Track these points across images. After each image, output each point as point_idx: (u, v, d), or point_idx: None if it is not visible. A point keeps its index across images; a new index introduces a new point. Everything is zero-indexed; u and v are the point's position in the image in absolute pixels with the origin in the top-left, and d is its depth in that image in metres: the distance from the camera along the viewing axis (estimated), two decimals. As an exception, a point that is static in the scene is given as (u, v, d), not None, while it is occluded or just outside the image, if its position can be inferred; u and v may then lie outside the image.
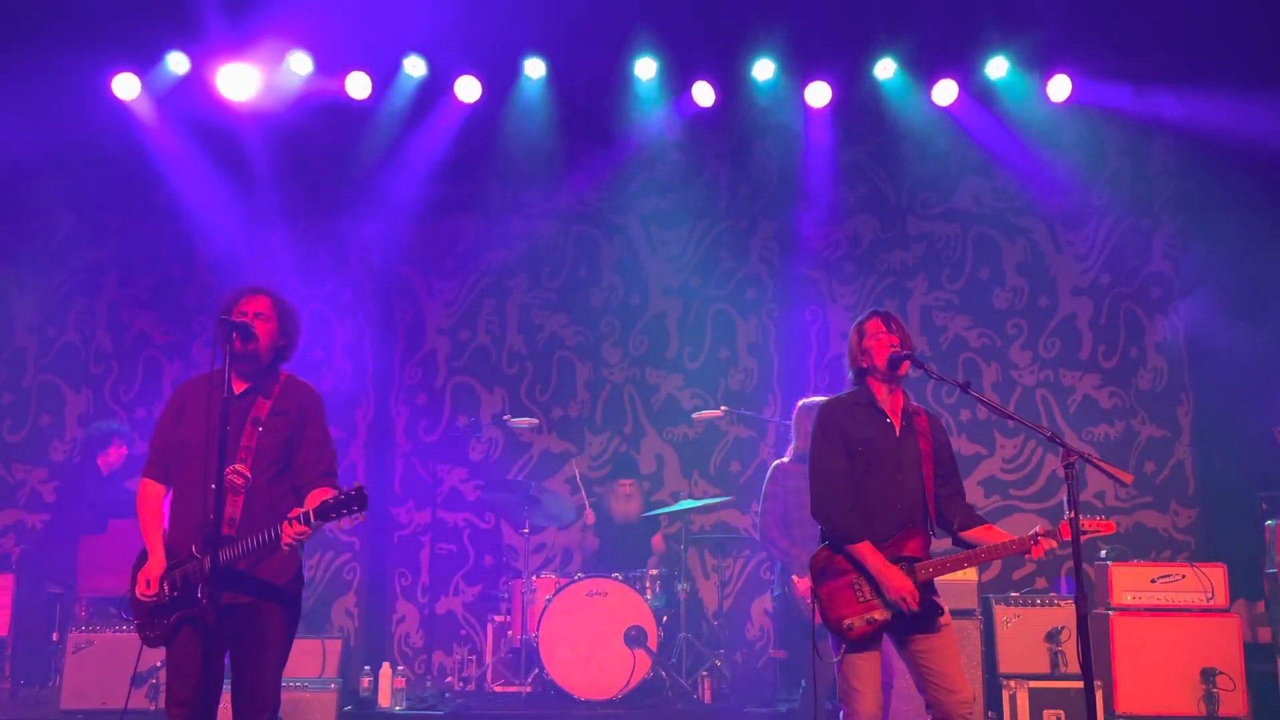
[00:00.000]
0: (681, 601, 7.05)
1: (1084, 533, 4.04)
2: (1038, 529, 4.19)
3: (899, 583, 4.18)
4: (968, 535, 4.38)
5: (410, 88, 8.28)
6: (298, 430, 4.28)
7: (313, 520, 3.96)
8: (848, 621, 4.20)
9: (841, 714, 4.29)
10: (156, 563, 4.16)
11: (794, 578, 5.84)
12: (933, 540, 4.37)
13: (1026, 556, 4.20)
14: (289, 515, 4.00)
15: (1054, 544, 4.14)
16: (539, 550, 8.30)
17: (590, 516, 7.68)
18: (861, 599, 4.22)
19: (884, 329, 4.41)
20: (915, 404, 4.54)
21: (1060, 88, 8.03)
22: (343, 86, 8.16)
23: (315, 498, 4.10)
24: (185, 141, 8.46)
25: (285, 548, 4.03)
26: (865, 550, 4.23)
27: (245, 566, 4.10)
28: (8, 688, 7.09)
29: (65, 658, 6.54)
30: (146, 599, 4.12)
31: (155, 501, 4.31)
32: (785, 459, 6.15)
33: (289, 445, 4.26)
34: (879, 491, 4.33)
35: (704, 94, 8.24)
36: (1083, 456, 4.02)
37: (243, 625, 4.09)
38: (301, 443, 4.29)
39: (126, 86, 8.15)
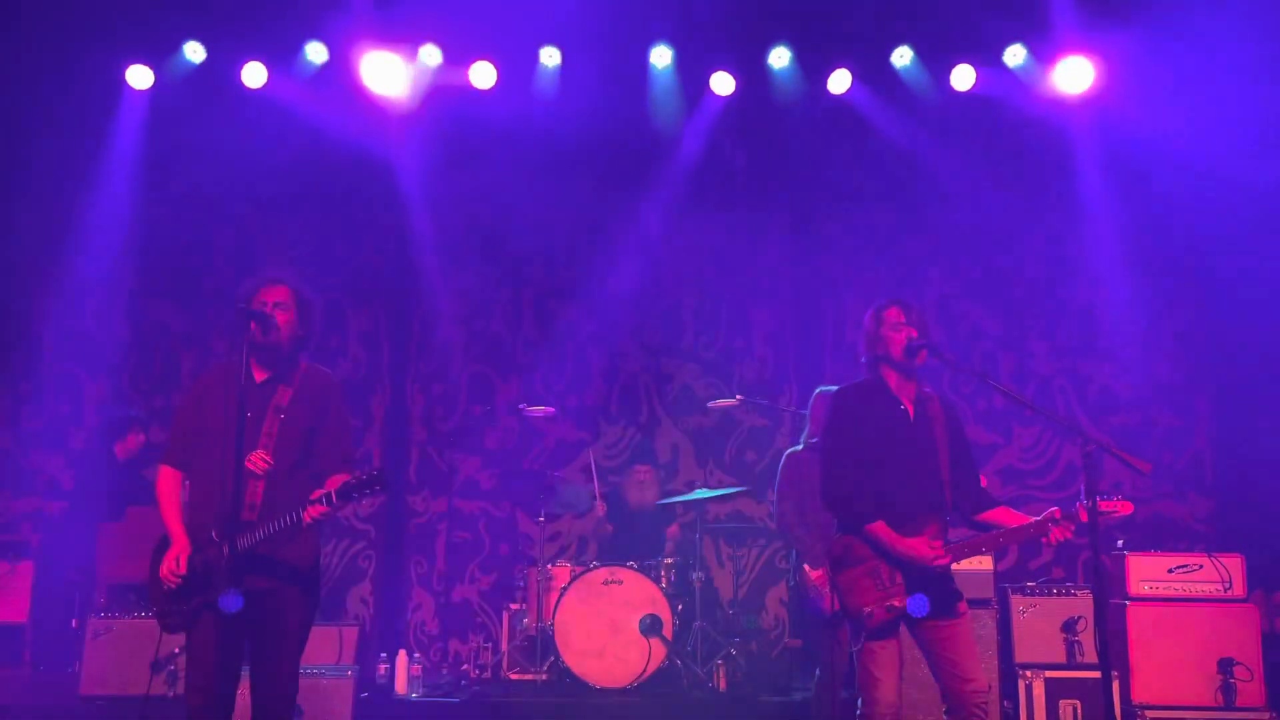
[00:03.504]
0: (696, 590, 7.06)
1: (1101, 514, 4.01)
2: (1053, 511, 4.17)
3: (919, 550, 4.17)
4: (984, 518, 4.37)
5: (425, 76, 8.27)
6: (319, 418, 4.34)
7: (334, 500, 4.02)
8: (867, 609, 4.20)
9: (860, 702, 4.29)
10: (181, 545, 4.19)
11: (806, 567, 5.83)
12: (950, 527, 4.36)
13: (1044, 539, 4.17)
14: (311, 496, 4.05)
15: (1071, 528, 4.12)
16: (554, 538, 8.32)
17: (601, 508, 7.70)
18: (880, 586, 4.21)
19: (903, 318, 4.39)
20: (928, 389, 4.52)
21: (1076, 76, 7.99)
22: (363, 75, 8.15)
23: (336, 482, 4.14)
24: (201, 129, 8.47)
25: (307, 525, 4.07)
26: (879, 530, 4.23)
27: (266, 551, 4.13)
28: (27, 674, 7.14)
29: (84, 644, 6.57)
30: (176, 580, 4.14)
31: (173, 487, 4.35)
32: (799, 447, 6.14)
33: (310, 432, 4.31)
34: (895, 479, 4.32)
35: (722, 83, 8.21)
36: (1100, 446, 4.00)
37: (262, 611, 4.12)
38: (322, 430, 4.34)
39: (140, 76, 8.18)
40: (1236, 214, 7.93)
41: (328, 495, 4.04)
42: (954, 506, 4.38)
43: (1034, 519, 4.21)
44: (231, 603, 3.82)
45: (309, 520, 4.05)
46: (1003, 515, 4.34)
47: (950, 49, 8.02)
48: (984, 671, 4.32)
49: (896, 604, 4.18)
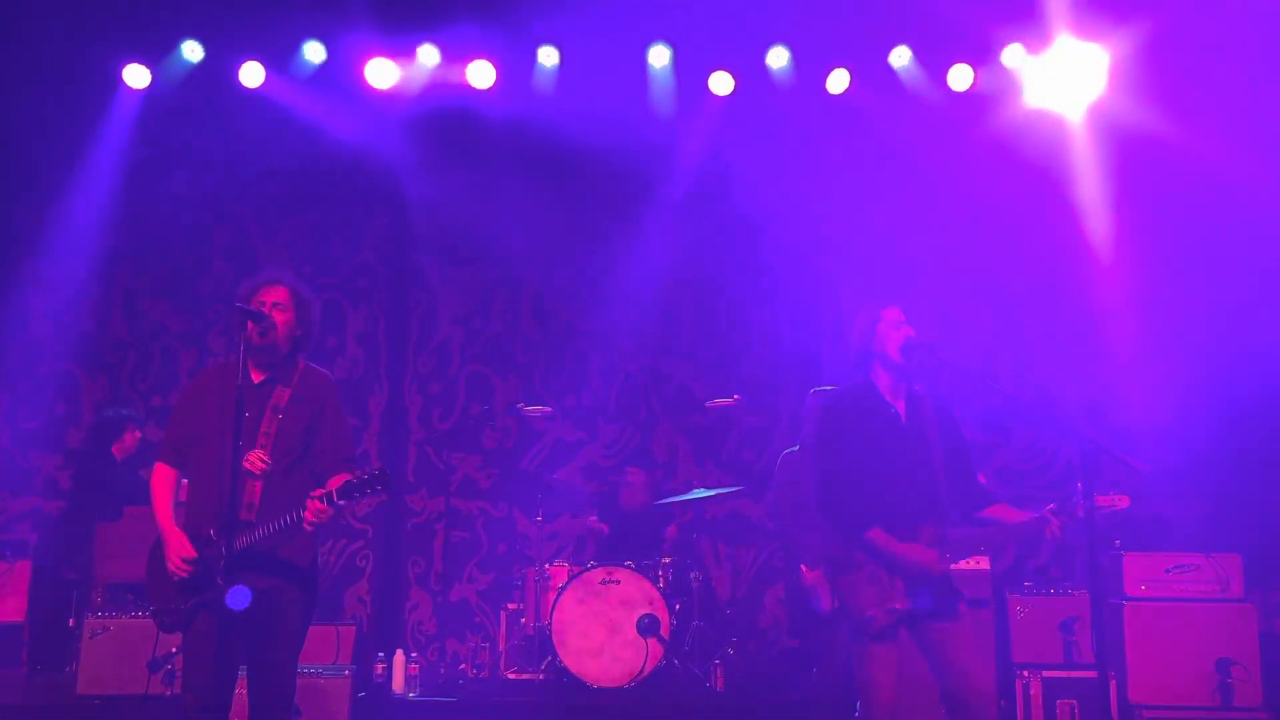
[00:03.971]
0: (694, 590, 7.06)
1: (1098, 508, 4.02)
2: (1052, 505, 4.18)
3: (917, 554, 4.17)
4: (983, 515, 4.38)
5: (422, 76, 8.25)
6: (317, 418, 4.34)
7: (336, 500, 4.01)
8: (870, 613, 4.19)
9: (859, 705, 4.29)
10: (177, 537, 4.18)
11: (802, 567, 5.84)
12: (948, 526, 4.35)
13: (1044, 533, 4.18)
14: (314, 494, 4.04)
15: (1070, 522, 4.13)
16: (552, 538, 8.31)
17: (592, 520, 7.72)
18: (881, 590, 4.20)
19: (903, 318, 4.39)
20: (920, 390, 4.50)
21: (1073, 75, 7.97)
22: (362, 75, 8.14)
23: (337, 481, 4.14)
24: (199, 129, 8.47)
25: (308, 528, 4.07)
26: (877, 537, 4.22)
27: (264, 551, 4.13)
28: (24, 673, 7.14)
29: (81, 644, 6.57)
30: (189, 568, 4.13)
31: (168, 485, 4.36)
32: (795, 448, 6.15)
33: (308, 432, 4.31)
34: (888, 483, 4.31)
35: (720, 83, 8.20)
36: (1098, 445, 4.00)
37: (260, 610, 4.12)
38: (321, 430, 4.34)
39: (137, 75, 8.17)
40: (1235, 214, 7.94)
41: (329, 494, 4.04)
42: (951, 506, 4.37)
43: (1032, 515, 4.22)
44: (239, 599, 3.83)
45: (310, 519, 4.05)
46: (1001, 512, 4.35)
47: (948, 49, 8.01)
48: (986, 671, 4.32)
49: (898, 606, 4.18)
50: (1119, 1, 7.65)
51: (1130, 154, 8.08)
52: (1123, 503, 4.18)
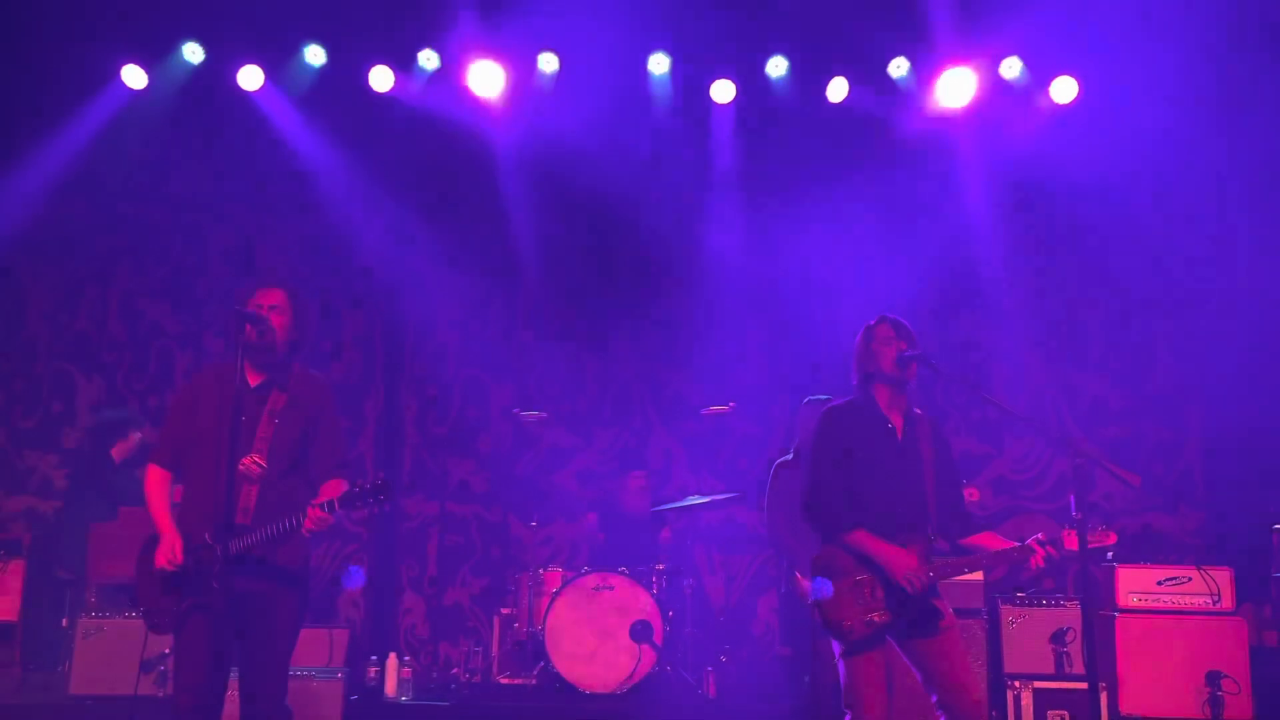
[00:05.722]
0: (687, 597, 7.06)
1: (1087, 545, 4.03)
2: (1039, 535, 4.20)
3: (901, 560, 4.18)
4: (968, 543, 4.40)
5: (424, 80, 8.27)
6: (313, 423, 4.35)
7: (337, 509, 4.02)
8: (847, 624, 4.21)
9: (847, 717, 4.29)
10: (172, 536, 4.19)
11: (797, 575, 5.85)
12: (934, 545, 4.37)
13: (1029, 562, 4.19)
14: (315, 502, 4.05)
15: (1053, 553, 4.15)
16: (546, 543, 8.32)
17: (592, 519, 7.73)
18: (862, 601, 4.22)
19: (893, 334, 4.42)
20: (919, 410, 4.55)
21: (1066, 89, 7.99)
22: (366, 79, 8.15)
23: (332, 488, 4.15)
24: (199, 131, 8.48)
25: (307, 535, 4.08)
26: (861, 538, 4.24)
27: (258, 554, 4.14)
28: (17, 673, 7.13)
29: (75, 643, 6.57)
30: (175, 567, 4.14)
31: (163, 487, 4.36)
32: (789, 456, 6.16)
33: (304, 437, 4.32)
34: (880, 497, 4.34)
35: (722, 90, 8.21)
36: (1091, 458, 4.01)
37: (252, 614, 4.13)
38: (316, 435, 4.35)
39: (136, 76, 8.18)
40: (1231, 229, 7.98)
41: (330, 503, 4.04)
42: (938, 528, 4.39)
43: (1016, 544, 4.23)
44: (355, 579, 3.87)
45: (310, 527, 4.06)
46: (987, 540, 4.37)
47: (944, 60, 8.03)
48: (979, 681, 4.32)
49: (877, 619, 4.19)
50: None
51: (1122, 165, 8.11)
52: (1110, 539, 4.20)
